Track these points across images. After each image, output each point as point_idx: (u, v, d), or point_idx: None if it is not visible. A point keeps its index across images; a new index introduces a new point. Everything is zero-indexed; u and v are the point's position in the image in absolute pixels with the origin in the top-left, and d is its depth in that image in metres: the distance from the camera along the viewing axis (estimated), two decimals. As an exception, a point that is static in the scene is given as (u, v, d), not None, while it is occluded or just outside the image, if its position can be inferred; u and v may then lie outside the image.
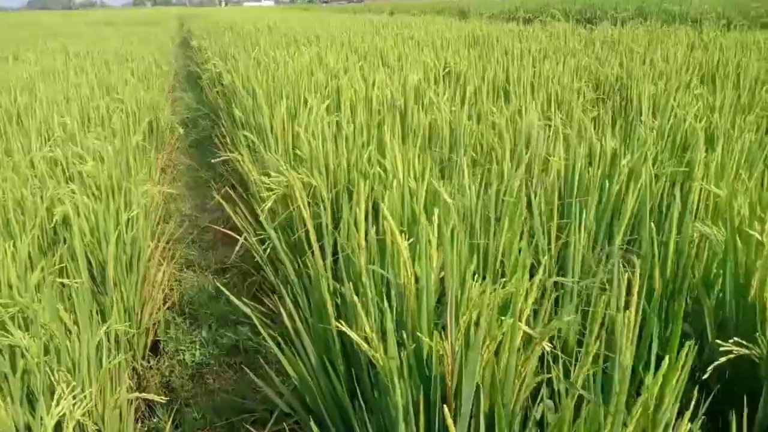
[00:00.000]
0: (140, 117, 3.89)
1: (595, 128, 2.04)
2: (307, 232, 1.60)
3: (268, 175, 1.87)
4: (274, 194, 1.44)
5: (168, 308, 2.25)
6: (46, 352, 1.20)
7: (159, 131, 4.47)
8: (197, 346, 2.02)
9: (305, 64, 3.65)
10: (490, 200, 1.25)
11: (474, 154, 1.84)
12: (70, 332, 1.37)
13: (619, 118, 2.38)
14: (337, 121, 2.30)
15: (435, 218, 0.93)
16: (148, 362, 2.00)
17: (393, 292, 1.03)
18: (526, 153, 1.62)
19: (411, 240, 1.04)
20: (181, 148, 4.78)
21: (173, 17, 23.16)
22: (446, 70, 3.46)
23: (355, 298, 0.96)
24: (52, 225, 2.07)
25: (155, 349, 2.11)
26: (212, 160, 2.17)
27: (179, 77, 8.10)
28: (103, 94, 4.31)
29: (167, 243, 2.72)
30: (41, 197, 2.22)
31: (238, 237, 2.00)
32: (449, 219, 1.03)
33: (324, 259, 1.20)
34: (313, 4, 52.72)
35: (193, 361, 1.95)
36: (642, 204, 1.33)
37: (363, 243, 1.06)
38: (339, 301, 1.17)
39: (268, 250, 1.62)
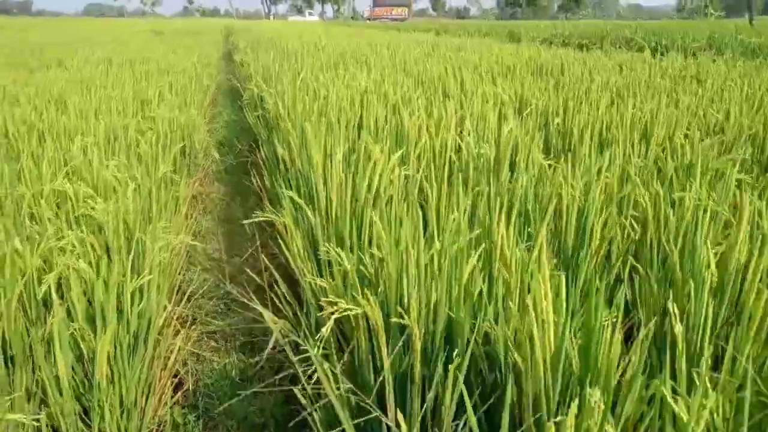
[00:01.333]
0: (172, 139, 3.50)
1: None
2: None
3: (318, 258, 1.39)
4: (334, 316, 0.96)
5: (178, 401, 1.78)
6: None
7: (193, 153, 4.09)
8: (210, 469, 1.53)
9: (359, 90, 3.20)
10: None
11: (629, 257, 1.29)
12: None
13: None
14: (406, 174, 1.81)
15: None
16: (146, 482, 1.53)
17: None
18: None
19: None
20: (215, 173, 4.40)
21: (220, 28, 23.39)
22: (529, 108, 2.93)
23: None
24: (42, 294, 1.63)
25: (158, 456, 1.64)
26: (244, 222, 1.71)
27: (220, 92, 7.83)
28: (137, 109, 3.96)
29: (187, 301, 2.28)
30: (37, 245, 1.79)
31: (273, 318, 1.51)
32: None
33: None
34: (356, 20, 53.06)
35: (202, 495, 1.47)
36: None
37: None
38: None
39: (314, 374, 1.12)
